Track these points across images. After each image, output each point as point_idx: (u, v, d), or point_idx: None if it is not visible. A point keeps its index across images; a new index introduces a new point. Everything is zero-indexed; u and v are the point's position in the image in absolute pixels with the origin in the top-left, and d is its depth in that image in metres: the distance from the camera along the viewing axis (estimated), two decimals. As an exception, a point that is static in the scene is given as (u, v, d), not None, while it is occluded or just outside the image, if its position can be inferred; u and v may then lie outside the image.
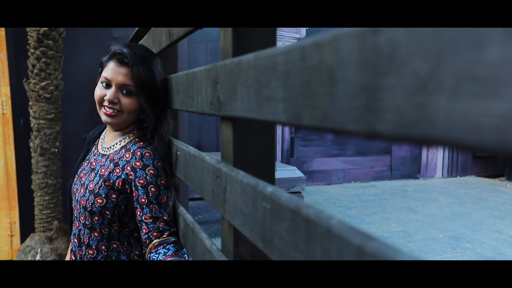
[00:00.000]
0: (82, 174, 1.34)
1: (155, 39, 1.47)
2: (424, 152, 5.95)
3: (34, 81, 3.14)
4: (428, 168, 5.95)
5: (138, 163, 1.21)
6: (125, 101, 1.24)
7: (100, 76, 1.30)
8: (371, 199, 4.44)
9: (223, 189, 0.77)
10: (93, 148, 1.41)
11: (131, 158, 1.22)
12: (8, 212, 3.48)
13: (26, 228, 3.44)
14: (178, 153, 1.18)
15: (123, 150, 1.26)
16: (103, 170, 1.26)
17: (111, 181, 1.22)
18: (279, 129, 5.21)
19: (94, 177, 1.27)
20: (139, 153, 1.22)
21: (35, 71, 3.13)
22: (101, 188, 1.23)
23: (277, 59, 0.52)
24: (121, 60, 1.24)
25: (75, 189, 1.34)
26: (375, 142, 5.69)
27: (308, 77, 0.45)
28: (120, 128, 1.31)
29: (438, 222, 3.51)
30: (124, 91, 1.24)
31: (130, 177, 1.20)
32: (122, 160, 1.23)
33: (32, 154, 3.21)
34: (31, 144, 3.21)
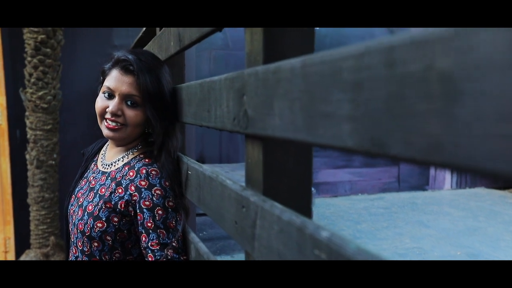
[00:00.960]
0: (80, 194, 1.20)
1: (162, 45, 1.34)
2: (432, 163, 5.80)
3: (31, 90, 3.02)
4: (437, 180, 5.81)
5: (143, 183, 1.08)
6: (130, 113, 1.11)
7: (101, 86, 1.17)
8: (381, 212, 4.29)
9: (252, 222, 0.63)
10: (92, 165, 1.28)
11: (136, 177, 1.09)
12: (3, 227, 3.32)
13: (21, 244, 3.29)
14: (189, 172, 1.04)
15: (127, 168, 1.13)
16: (103, 190, 1.13)
17: (112, 203, 1.09)
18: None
19: (93, 198, 1.13)
20: (144, 171, 1.09)
21: (32, 80, 3.01)
22: (101, 211, 1.10)
23: (341, 64, 0.39)
24: (125, 67, 1.11)
25: (71, 211, 1.20)
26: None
27: (399, 89, 0.32)
28: (123, 143, 1.18)
29: (453, 237, 3.37)
30: (129, 102, 1.11)
31: (134, 198, 1.07)
32: (125, 179, 1.10)
33: (28, 167, 3.08)
34: (27, 156, 3.08)
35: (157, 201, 1.07)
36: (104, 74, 1.16)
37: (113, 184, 1.12)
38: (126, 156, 1.18)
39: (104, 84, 1.14)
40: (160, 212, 1.07)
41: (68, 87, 3.54)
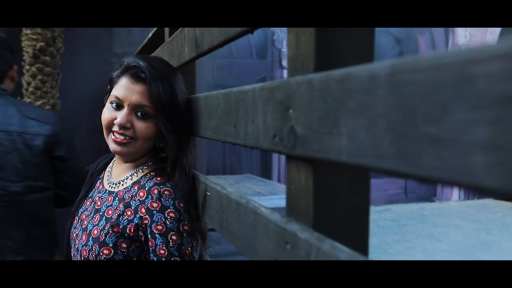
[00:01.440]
0: (84, 216, 1.08)
1: (173, 51, 1.23)
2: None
3: (29, 100, 2.90)
4: (445, 191, 5.70)
5: (155, 204, 0.96)
6: (140, 125, 1.00)
7: (108, 95, 1.06)
8: (389, 225, 4.16)
9: (301, 264, 0.52)
10: (98, 183, 1.16)
11: (146, 198, 0.97)
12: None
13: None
14: (208, 193, 0.92)
15: (136, 187, 1.01)
16: (110, 212, 1.01)
17: (120, 227, 0.98)
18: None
19: (99, 221, 1.02)
20: (156, 192, 0.97)
21: (30, 89, 2.90)
22: (108, 236, 0.98)
23: (475, 70, 0.27)
24: (136, 75, 1.00)
25: (74, 235, 1.08)
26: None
27: None
28: (132, 159, 1.07)
29: (467, 252, 3.25)
30: (139, 113, 1.00)
31: (145, 222, 0.96)
32: (134, 200, 0.99)
33: (26, 180, 2.94)
34: (24, 169, 2.95)
35: (170, 225, 0.96)
36: (112, 83, 1.06)
37: (121, 206, 1.00)
38: (135, 174, 1.07)
39: (111, 93, 1.03)
40: (174, 237, 0.96)
41: (68, 97, 3.42)
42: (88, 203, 1.12)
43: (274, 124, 0.58)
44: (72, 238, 1.10)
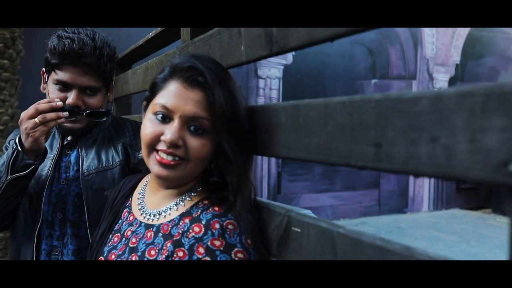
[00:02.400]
0: (114, 257, 0.85)
1: (214, 51, 1.02)
2: (411, 185, 5.75)
3: (-16, 109, 2.54)
4: (415, 202, 5.74)
5: (217, 242, 0.76)
6: (194, 143, 0.80)
7: (147, 105, 0.84)
8: (368, 238, 4.11)
9: None
10: (125, 213, 0.93)
11: (205, 234, 0.77)
12: None
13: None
14: (297, 229, 0.72)
15: (187, 220, 0.80)
16: (153, 253, 0.80)
17: None
18: (265, 163, 4.76)
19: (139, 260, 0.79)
20: (218, 226, 0.77)
21: (-14, 97, 2.54)
22: (155, 285, 0.75)
23: None
24: (192, 79, 0.79)
25: None
26: (363, 175, 5.43)
27: None
28: (177, 184, 0.85)
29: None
30: (192, 128, 0.79)
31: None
32: (187, 237, 0.78)
33: (-20, 201, 2.56)
34: (-22, 188, 2.57)
35: None
36: (155, 88, 0.84)
37: (169, 244, 0.78)
38: (181, 203, 0.85)
39: (156, 102, 0.81)
40: None
41: (26, 106, 3.06)
42: (115, 239, 0.89)
43: (502, 146, 0.40)
44: None
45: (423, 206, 5.78)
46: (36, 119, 1.03)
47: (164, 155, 0.79)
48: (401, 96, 0.52)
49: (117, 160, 1.22)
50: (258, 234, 0.80)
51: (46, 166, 1.17)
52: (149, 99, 0.85)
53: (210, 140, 0.81)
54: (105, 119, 1.21)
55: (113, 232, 0.91)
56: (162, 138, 0.79)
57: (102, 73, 1.18)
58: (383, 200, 5.55)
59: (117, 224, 0.92)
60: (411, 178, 5.69)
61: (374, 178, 5.54)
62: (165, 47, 1.73)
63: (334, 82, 5.26)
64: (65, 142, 1.22)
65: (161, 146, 0.80)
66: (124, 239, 0.87)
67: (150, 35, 1.57)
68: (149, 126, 0.81)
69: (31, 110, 1.05)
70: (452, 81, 5.95)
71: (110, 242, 0.89)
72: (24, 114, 1.05)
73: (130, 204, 0.94)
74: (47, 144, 1.16)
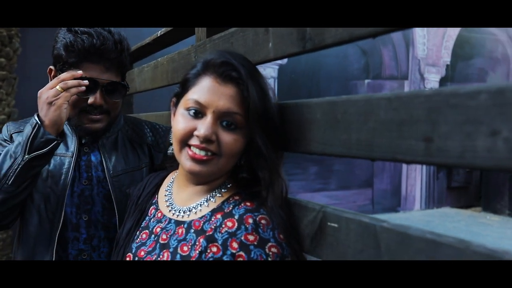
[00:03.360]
0: (143, 253, 0.85)
1: (236, 48, 1.02)
2: (403, 184, 5.80)
3: (-20, 108, 2.50)
4: (408, 201, 5.80)
5: (251, 237, 0.76)
6: (227, 138, 0.80)
7: (178, 101, 0.84)
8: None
9: None
10: (152, 210, 0.93)
11: (238, 229, 0.77)
12: None
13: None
14: (334, 225, 0.73)
15: (219, 215, 0.81)
16: (186, 249, 0.80)
17: None
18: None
19: (171, 259, 0.79)
20: (251, 220, 0.77)
21: (-17, 96, 2.49)
22: (189, 281, 0.75)
23: None
24: (225, 74, 0.80)
25: None
26: (357, 174, 5.46)
27: None
28: (208, 180, 0.85)
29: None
30: (225, 123, 0.80)
31: (239, 260, 0.75)
32: (220, 232, 0.78)
33: (-24, 202, 2.51)
34: (-26, 189, 2.52)
35: None
36: (187, 84, 0.84)
37: (202, 240, 0.78)
38: (211, 199, 0.85)
39: (188, 98, 0.81)
40: None
41: (24, 105, 3.01)
42: (143, 235, 0.88)
43: None
44: None
45: (415, 205, 5.85)
46: (57, 87, 0.98)
47: (196, 150, 0.80)
48: (456, 90, 0.52)
49: (144, 162, 1.19)
50: (290, 230, 0.81)
51: (64, 165, 1.11)
52: (180, 95, 0.85)
53: (242, 136, 0.81)
54: (120, 100, 1.14)
55: (140, 229, 0.91)
56: (195, 133, 0.79)
57: (123, 68, 1.13)
58: (376, 199, 5.60)
59: (144, 221, 0.91)
60: (404, 178, 5.76)
61: (368, 178, 5.59)
62: (172, 45, 1.72)
63: (329, 82, 5.30)
64: (83, 141, 1.16)
65: (194, 141, 0.80)
66: (153, 235, 0.86)
67: (159, 33, 1.56)
68: (181, 122, 0.81)
69: (51, 82, 1.01)
70: (442, 82, 6.04)
71: (138, 239, 0.88)
72: (43, 89, 1.01)
73: (157, 201, 0.93)
74: (62, 143, 1.10)
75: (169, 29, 1.47)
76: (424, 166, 6.00)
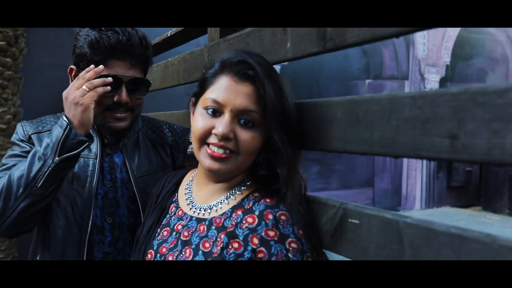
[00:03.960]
0: (165, 250, 0.86)
1: (252, 48, 1.03)
2: (404, 183, 5.84)
3: (-14, 107, 2.50)
4: (408, 200, 5.83)
5: (271, 233, 0.78)
6: (245, 136, 0.82)
7: (195, 100, 0.86)
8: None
9: None
10: (172, 208, 0.94)
11: (259, 225, 0.79)
12: None
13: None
14: (355, 221, 0.74)
15: (239, 212, 0.82)
16: (207, 245, 0.81)
17: None
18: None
19: (194, 256, 0.82)
20: (271, 217, 0.79)
21: (-13, 96, 2.50)
22: (211, 276, 0.77)
23: None
24: (242, 73, 0.81)
25: None
26: (358, 174, 5.48)
27: None
28: (227, 178, 0.86)
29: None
30: (242, 121, 0.82)
31: (259, 256, 0.77)
32: (240, 228, 0.80)
33: (-19, 201, 2.51)
34: (-21, 188, 2.52)
35: (294, 258, 0.78)
36: (205, 84, 0.85)
37: (223, 236, 0.80)
38: (231, 197, 0.86)
39: (206, 97, 0.83)
40: None
41: (29, 104, 3.01)
42: (165, 233, 0.90)
43: None
44: None
45: (416, 204, 5.88)
46: (83, 87, 0.97)
47: (215, 148, 0.81)
48: (484, 89, 0.54)
49: (167, 162, 1.19)
50: (310, 226, 0.82)
51: (89, 167, 1.09)
52: (199, 95, 0.86)
53: (259, 133, 0.82)
54: (143, 97, 1.12)
55: (161, 226, 0.92)
56: (214, 131, 0.80)
57: (146, 64, 1.12)
58: (377, 199, 5.63)
59: (165, 219, 0.93)
60: (404, 177, 5.79)
61: (369, 177, 5.62)
62: (181, 45, 1.73)
63: (329, 82, 5.33)
64: (106, 141, 1.14)
65: (212, 140, 0.81)
66: (174, 233, 0.87)
67: (169, 33, 1.58)
68: (200, 121, 0.82)
69: (76, 81, 0.99)
70: (442, 82, 6.08)
71: (160, 236, 0.90)
72: (68, 88, 0.99)
73: (177, 199, 0.94)
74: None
75: (180, 29, 1.48)
76: (424, 167, 6.03)
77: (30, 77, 3.01)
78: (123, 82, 1.05)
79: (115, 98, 1.06)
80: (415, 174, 5.90)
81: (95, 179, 1.09)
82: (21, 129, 1.14)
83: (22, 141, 1.12)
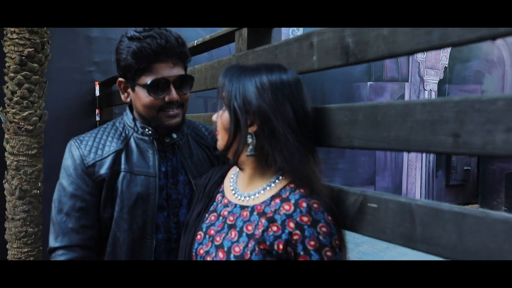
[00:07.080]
0: (213, 232, 1.01)
1: (279, 58, 1.19)
2: (404, 182, 5.98)
3: (13, 110, 2.64)
4: (409, 196, 5.97)
5: (305, 218, 0.92)
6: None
7: None
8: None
9: None
10: (219, 197, 1.09)
11: (295, 212, 0.93)
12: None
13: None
14: (374, 205, 0.90)
15: (277, 200, 0.97)
16: (250, 228, 0.96)
17: (267, 243, 0.93)
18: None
19: (239, 237, 0.96)
20: (305, 205, 0.93)
21: (15, 98, 2.64)
22: (254, 253, 0.93)
23: None
24: None
25: (201, 251, 1.01)
26: (360, 172, 5.63)
27: None
28: (262, 169, 1.02)
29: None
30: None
31: (295, 238, 0.91)
32: (278, 214, 0.94)
33: (8, 198, 2.66)
34: (5, 186, 2.67)
35: (324, 240, 0.91)
36: None
37: (264, 220, 0.95)
38: (269, 186, 1.01)
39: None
40: (329, 253, 0.92)
41: (51, 106, 3.17)
42: (212, 217, 1.05)
43: None
44: (198, 254, 1.02)
45: (415, 201, 6.02)
46: None
47: None
48: (480, 98, 0.70)
49: (216, 163, 1.30)
50: (335, 212, 0.98)
51: (150, 184, 1.17)
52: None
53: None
54: (189, 92, 1.20)
55: (209, 212, 1.07)
56: None
57: (186, 60, 1.19)
58: (378, 196, 5.77)
59: (212, 206, 1.08)
60: (404, 176, 5.94)
61: (370, 176, 5.78)
62: (203, 53, 1.88)
63: (333, 84, 5.50)
64: (166, 140, 1.23)
65: None
66: (221, 217, 1.03)
67: (195, 43, 1.73)
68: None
69: None
70: (441, 84, 6.25)
71: (208, 220, 1.05)
72: None
73: (223, 190, 1.10)
74: (138, 155, 1.18)
75: (206, 38, 1.63)
76: (424, 166, 6.19)
77: (50, 81, 3.17)
78: (170, 81, 1.13)
79: (166, 98, 1.14)
80: (415, 173, 6.05)
81: (156, 197, 1.17)
82: (77, 153, 1.19)
83: (83, 171, 1.16)
